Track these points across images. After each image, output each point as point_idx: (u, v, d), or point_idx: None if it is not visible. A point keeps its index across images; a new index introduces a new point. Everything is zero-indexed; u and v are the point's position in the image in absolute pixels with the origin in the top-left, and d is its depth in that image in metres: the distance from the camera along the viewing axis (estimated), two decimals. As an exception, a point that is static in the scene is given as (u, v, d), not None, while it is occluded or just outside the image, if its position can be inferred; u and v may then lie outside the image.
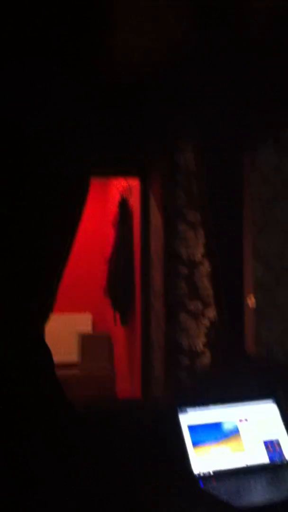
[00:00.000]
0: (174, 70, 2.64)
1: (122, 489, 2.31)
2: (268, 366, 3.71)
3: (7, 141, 2.46)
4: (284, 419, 2.64)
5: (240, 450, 2.48)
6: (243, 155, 3.50)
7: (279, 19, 2.53)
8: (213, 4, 2.44)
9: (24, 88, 2.42)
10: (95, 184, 5.54)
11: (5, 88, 2.40)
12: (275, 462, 2.51)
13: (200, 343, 4.84)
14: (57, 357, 2.73)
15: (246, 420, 2.58)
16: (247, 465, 2.46)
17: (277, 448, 2.55)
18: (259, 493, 2.30)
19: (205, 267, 4.79)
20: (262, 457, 2.50)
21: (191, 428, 2.47)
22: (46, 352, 2.57)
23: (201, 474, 2.38)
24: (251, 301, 3.95)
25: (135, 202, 5.87)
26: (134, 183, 5.81)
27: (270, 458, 2.51)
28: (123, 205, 6.28)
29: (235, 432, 2.53)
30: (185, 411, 2.49)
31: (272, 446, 2.54)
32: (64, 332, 6.79)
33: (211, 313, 4.71)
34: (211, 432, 2.50)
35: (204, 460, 2.41)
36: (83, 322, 7.27)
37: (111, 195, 7.12)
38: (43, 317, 2.58)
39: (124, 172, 5.51)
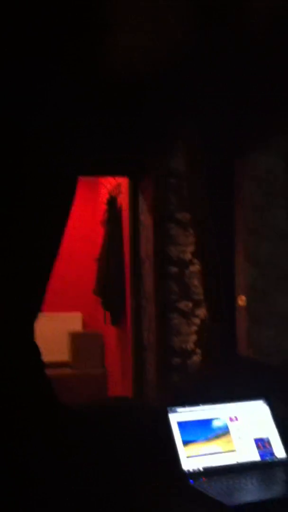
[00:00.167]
0: (173, 70, 2.64)
1: (112, 487, 2.31)
2: (260, 366, 3.73)
3: (7, 141, 2.44)
4: (275, 417, 2.65)
5: (230, 448, 2.49)
6: (236, 158, 3.50)
7: (279, 19, 2.53)
8: (213, 4, 2.44)
9: (24, 88, 2.40)
10: (84, 183, 5.55)
11: (5, 88, 2.38)
12: (266, 460, 2.52)
13: (191, 342, 4.85)
14: (48, 357, 2.73)
15: (236, 418, 2.59)
16: (237, 463, 2.47)
17: (268, 446, 2.56)
18: (250, 491, 2.29)
19: (196, 267, 4.80)
20: (252, 455, 2.51)
21: (181, 426, 2.48)
22: (35, 351, 2.56)
23: (191, 472, 2.38)
24: (241, 300, 3.95)
25: (123, 201, 5.85)
26: (122, 181, 5.79)
27: (261, 456, 2.52)
28: (112, 203, 6.27)
29: (225, 430, 2.54)
30: (176, 409, 2.50)
31: (262, 444, 2.55)
32: (55, 332, 6.77)
33: (202, 312, 4.72)
34: (201, 430, 2.51)
35: (194, 457, 2.41)
36: (73, 321, 7.25)
37: (100, 194, 7.10)
38: (32, 316, 2.57)
39: (114, 171, 5.50)
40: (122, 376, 6.00)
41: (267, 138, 3.80)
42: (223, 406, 2.61)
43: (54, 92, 2.44)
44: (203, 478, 2.35)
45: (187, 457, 2.40)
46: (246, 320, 4.06)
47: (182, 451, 2.41)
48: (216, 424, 2.54)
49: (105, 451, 2.52)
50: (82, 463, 2.41)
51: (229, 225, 3.63)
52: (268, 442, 2.58)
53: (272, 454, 2.54)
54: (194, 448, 2.44)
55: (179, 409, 2.50)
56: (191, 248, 4.86)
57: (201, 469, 2.40)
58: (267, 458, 2.53)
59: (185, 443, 2.44)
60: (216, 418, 2.55)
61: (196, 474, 2.38)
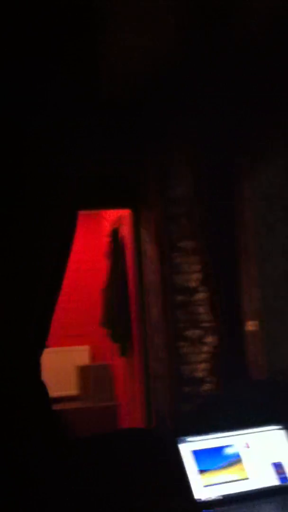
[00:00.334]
0: (173, 71, 2.64)
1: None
2: (273, 390, 3.66)
3: (7, 141, 2.43)
4: None
5: (245, 476, 2.42)
6: (238, 180, 3.50)
7: (279, 19, 2.54)
8: (213, 5, 2.45)
9: (24, 88, 2.40)
10: (87, 216, 5.56)
11: (5, 88, 2.38)
12: (283, 485, 2.45)
13: (201, 370, 4.78)
14: (57, 392, 2.67)
15: (251, 444, 2.52)
16: (254, 489, 2.39)
17: (282, 471, 2.50)
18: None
19: (202, 294, 4.76)
20: (268, 481, 2.44)
21: (196, 455, 2.41)
22: (41, 388, 2.51)
23: (208, 500, 2.30)
24: (250, 326, 3.91)
25: (126, 232, 5.86)
26: (124, 214, 5.81)
27: (279, 481, 2.45)
28: (115, 235, 6.28)
29: (240, 457, 2.47)
30: (188, 439, 2.44)
31: (278, 469, 2.49)
32: (62, 366, 6.69)
33: (211, 339, 4.66)
34: (217, 458, 2.43)
35: (210, 486, 2.34)
36: (81, 354, 7.18)
37: (103, 226, 7.13)
38: (37, 351, 2.53)
39: (115, 204, 5.52)
40: (132, 407, 5.92)
41: (269, 154, 3.80)
42: (236, 433, 2.55)
43: (54, 92, 2.45)
44: (221, 508, 2.29)
45: (204, 486, 2.34)
46: (259, 342, 4.01)
47: (199, 479, 2.36)
48: (229, 451, 2.48)
49: (116, 481, 2.46)
50: (93, 494, 2.35)
51: (234, 250, 3.60)
52: (281, 467, 2.52)
53: (285, 479, 2.48)
54: (210, 477, 2.38)
55: (192, 438, 2.45)
56: (196, 276, 4.84)
57: (218, 497, 2.33)
58: (283, 483, 2.46)
59: (201, 471, 2.39)
60: (230, 446, 2.49)
61: (213, 503, 2.31)
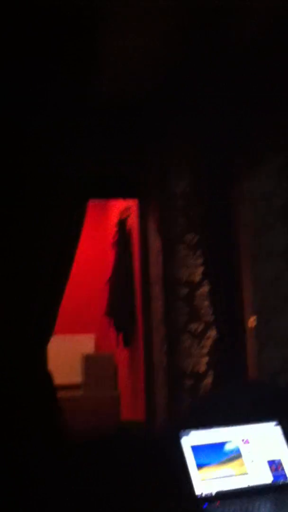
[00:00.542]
0: (173, 71, 2.65)
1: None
2: (270, 389, 3.68)
3: (7, 141, 2.44)
4: (287, 440, 2.61)
5: (243, 471, 2.44)
6: (238, 180, 3.50)
7: (279, 19, 2.54)
8: (213, 5, 2.45)
9: (24, 88, 2.41)
10: (94, 206, 5.56)
11: (5, 88, 2.39)
12: (278, 483, 2.46)
13: (202, 364, 4.79)
14: (61, 379, 2.68)
15: (249, 441, 2.54)
16: (251, 486, 2.41)
17: (280, 469, 2.51)
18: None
19: (205, 288, 4.77)
20: (265, 478, 2.45)
21: (195, 450, 2.43)
22: (47, 378, 2.53)
23: (205, 495, 2.32)
24: (251, 321, 3.93)
25: (133, 223, 5.86)
26: (132, 204, 5.81)
27: (274, 478, 2.47)
28: (122, 226, 6.28)
29: (238, 453, 2.49)
30: (188, 433, 2.45)
31: (275, 467, 2.50)
32: (68, 353, 6.72)
33: (213, 333, 4.67)
34: (215, 453, 2.45)
35: (207, 481, 2.36)
36: (86, 343, 7.20)
37: (110, 216, 7.12)
38: (44, 339, 2.55)
39: (123, 193, 5.52)
40: (134, 398, 5.92)
41: (267, 155, 3.79)
42: (235, 428, 2.56)
43: (54, 92, 2.46)
44: (217, 502, 2.31)
45: (201, 480, 2.36)
46: (254, 342, 4.02)
47: (196, 474, 2.37)
48: (228, 447, 2.49)
49: (117, 477, 2.49)
50: (93, 490, 2.37)
51: (233, 247, 3.62)
52: (280, 464, 2.53)
53: (284, 476, 2.49)
54: (208, 472, 2.39)
55: (192, 432, 2.46)
56: (200, 270, 4.83)
57: (214, 492, 2.35)
58: (280, 480, 2.48)
59: (199, 466, 2.40)
60: (229, 441, 2.50)
61: (210, 498, 2.33)
